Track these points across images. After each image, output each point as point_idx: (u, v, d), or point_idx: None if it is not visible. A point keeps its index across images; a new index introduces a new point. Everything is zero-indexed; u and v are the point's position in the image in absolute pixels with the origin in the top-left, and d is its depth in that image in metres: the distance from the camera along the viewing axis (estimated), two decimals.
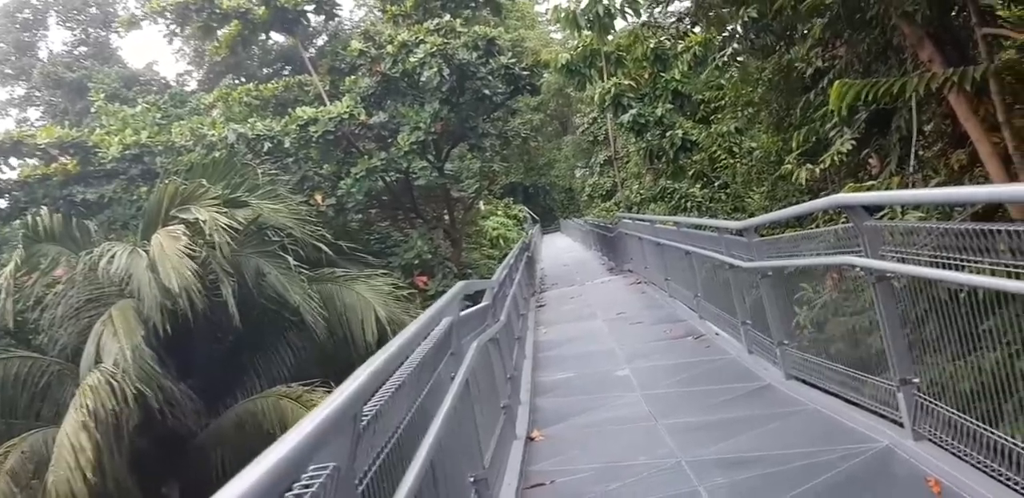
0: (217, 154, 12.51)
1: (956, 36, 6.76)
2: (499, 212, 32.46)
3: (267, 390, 10.70)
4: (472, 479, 3.43)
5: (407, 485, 1.97)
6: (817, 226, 6.78)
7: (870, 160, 7.64)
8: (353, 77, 14.55)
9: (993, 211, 5.58)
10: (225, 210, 10.54)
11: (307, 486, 1.43)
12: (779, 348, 5.58)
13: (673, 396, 5.80)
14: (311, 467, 1.49)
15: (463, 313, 4.49)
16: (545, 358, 8.35)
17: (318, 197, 13.43)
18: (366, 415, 1.80)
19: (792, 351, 5.43)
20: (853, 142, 6.93)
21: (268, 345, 11.81)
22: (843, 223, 4.78)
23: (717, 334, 7.59)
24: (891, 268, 3.58)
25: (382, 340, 11.84)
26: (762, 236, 6.48)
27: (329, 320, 12.01)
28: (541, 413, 5.83)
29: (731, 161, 12.76)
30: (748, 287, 6.53)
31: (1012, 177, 5.57)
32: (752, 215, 12.10)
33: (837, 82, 5.73)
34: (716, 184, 15.37)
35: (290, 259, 10.84)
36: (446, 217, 17.67)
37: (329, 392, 10.82)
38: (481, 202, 25.51)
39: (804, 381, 5.09)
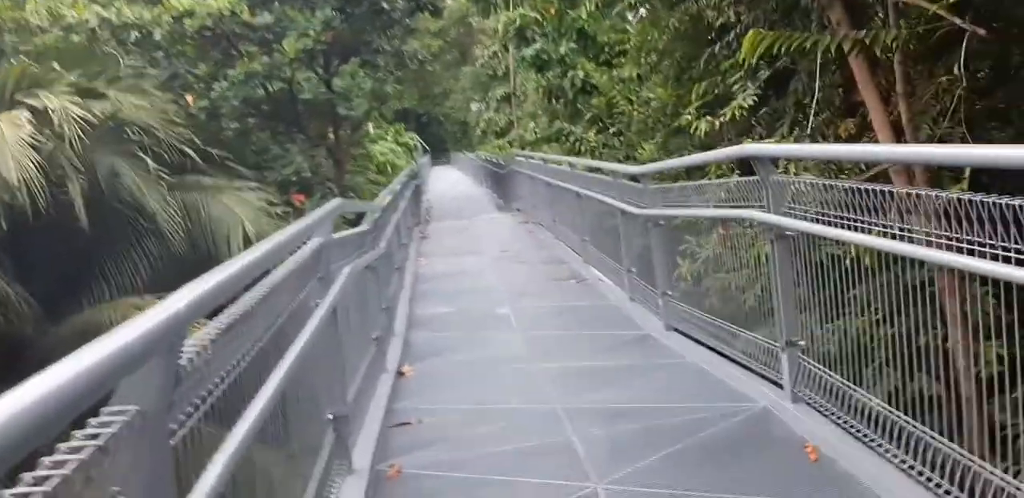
0: (76, 38, 11.03)
1: (866, 1, 6.71)
2: (389, 138, 31.33)
3: (116, 299, 9.93)
4: (331, 416, 3.09)
5: (243, 428, 1.58)
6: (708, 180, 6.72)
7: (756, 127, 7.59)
8: None
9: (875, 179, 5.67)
10: (79, 100, 9.38)
11: (93, 436, 1.04)
12: (662, 298, 5.48)
13: (552, 339, 5.64)
14: (104, 411, 1.13)
15: (337, 235, 4.04)
16: (424, 291, 8.02)
17: (189, 98, 12.22)
18: (190, 349, 1.39)
19: (675, 303, 5.34)
20: (755, 97, 6.82)
21: (121, 252, 10.84)
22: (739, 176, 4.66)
23: (601, 280, 7.49)
24: (794, 225, 3.41)
25: None
26: (658, 183, 6.32)
27: (191, 232, 11.15)
28: (415, 347, 5.53)
29: (629, 108, 12.55)
30: (636, 235, 6.40)
31: None
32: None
33: (752, 31, 5.51)
34: (611, 131, 15.24)
35: (150, 162, 9.85)
36: (331, 136, 16.71)
37: None
38: (371, 124, 24.45)
39: (685, 334, 5.01)
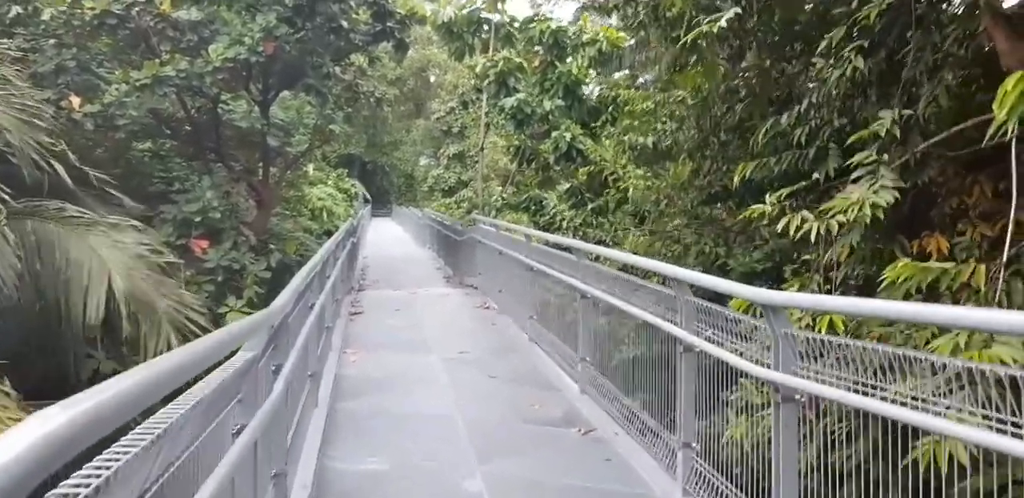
0: None
1: None
2: (330, 182, 28.81)
3: None
4: None
5: None
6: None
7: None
8: None
9: None
10: None
11: None
12: None
13: None
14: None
15: None
16: (346, 418, 5.30)
17: (74, 99, 9.35)
18: None
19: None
20: (895, 194, 4.52)
21: None
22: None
23: (616, 434, 4.92)
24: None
25: (110, 325, 8.13)
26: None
27: (40, 277, 8.18)
28: None
29: (637, 184, 10.28)
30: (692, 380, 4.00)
31: None
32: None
33: (1019, 73, 3.29)
34: (589, 207, 12.98)
35: None
36: (260, 171, 13.95)
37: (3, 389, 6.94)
38: (311, 165, 21.80)
39: None
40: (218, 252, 10.51)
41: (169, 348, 8.10)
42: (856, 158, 4.78)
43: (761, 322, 3.38)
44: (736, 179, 7.03)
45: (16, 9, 9.15)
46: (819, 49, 5.42)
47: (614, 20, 16.18)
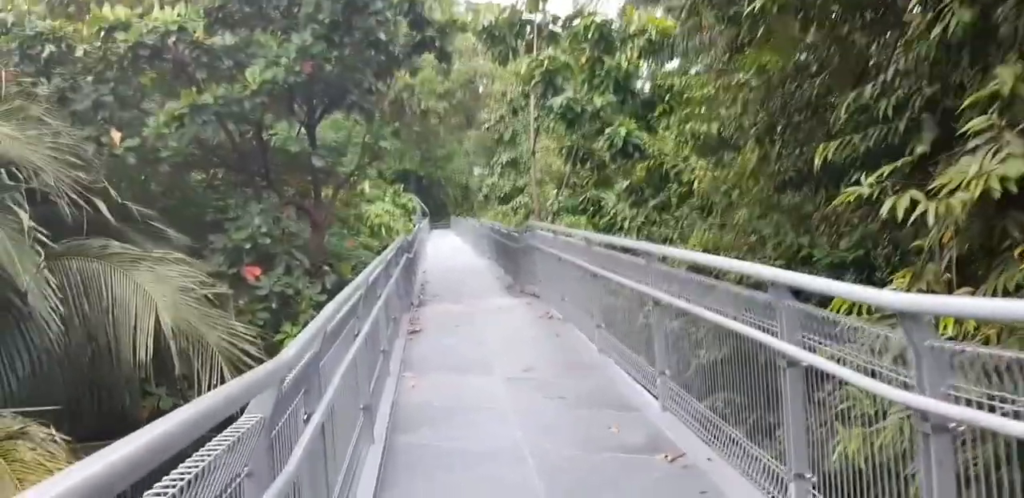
0: None
1: None
2: (387, 198, 28.75)
3: None
4: None
5: None
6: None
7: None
8: None
9: None
10: None
11: None
12: None
13: None
14: None
15: None
16: (405, 456, 4.79)
17: (115, 135, 9.18)
18: None
19: None
20: None
21: None
22: None
23: (710, 460, 4.27)
24: None
25: (161, 361, 7.86)
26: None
27: (88, 318, 7.97)
28: None
29: (701, 175, 9.54)
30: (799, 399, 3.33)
31: None
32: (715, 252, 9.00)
33: None
34: (651, 204, 12.25)
35: (24, 217, 6.74)
36: (312, 194, 13.71)
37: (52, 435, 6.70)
38: (367, 183, 21.64)
39: None
40: (271, 278, 10.22)
41: (223, 382, 7.78)
42: (973, 123, 4.02)
43: (887, 329, 2.70)
44: (817, 161, 6.28)
45: (50, 48, 9.05)
46: (912, 3, 4.65)
47: (659, 12, 15.51)
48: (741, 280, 6.23)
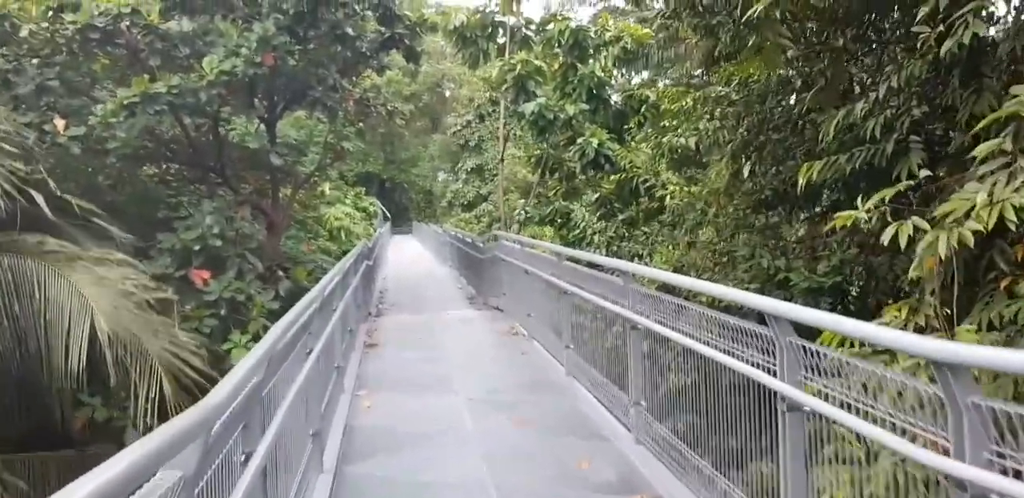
0: None
1: None
2: (348, 201, 28.16)
3: None
4: None
5: None
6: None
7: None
8: None
9: None
10: None
11: None
12: None
13: None
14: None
15: None
16: (358, 487, 4.37)
17: (58, 122, 8.56)
18: None
19: None
20: None
21: None
22: None
23: None
24: None
25: (95, 369, 7.28)
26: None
27: (19, 320, 7.36)
28: None
29: (673, 189, 9.27)
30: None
31: None
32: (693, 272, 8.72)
33: None
34: (620, 217, 11.97)
35: None
36: (270, 194, 13.15)
37: None
38: (327, 184, 21.11)
39: None
40: (220, 283, 9.66)
41: (162, 394, 7.24)
42: (981, 148, 3.76)
43: (914, 379, 2.39)
44: (801, 181, 6.03)
45: None
46: (919, 17, 4.41)
47: (632, 20, 15.31)
48: (713, 303, 5.96)
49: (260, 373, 2.79)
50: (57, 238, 7.48)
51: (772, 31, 5.52)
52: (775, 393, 3.14)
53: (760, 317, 3.50)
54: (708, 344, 3.73)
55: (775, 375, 3.08)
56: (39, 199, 7.62)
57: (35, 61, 9.00)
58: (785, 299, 6.15)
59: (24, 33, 8.57)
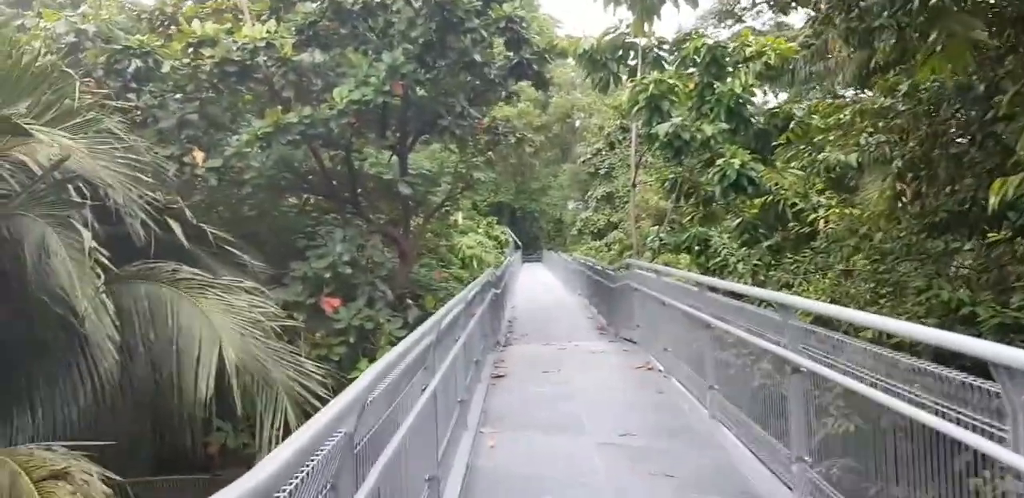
0: (49, 57, 7.79)
1: None
2: (480, 230, 28.39)
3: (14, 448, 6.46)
4: None
5: None
6: None
7: None
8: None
9: None
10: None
11: None
12: None
13: None
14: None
15: None
16: None
17: (197, 155, 8.83)
18: None
19: None
20: None
21: (48, 370, 7.31)
22: None
23: None
24: None
25: (222, 398, 7.26)
26: None
27: (153, 347, 7.49)
28: None
29: (830, 212, 8.34)
30: None
31: None
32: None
33: None
34: (765, 244, 11.02)
35: (86, 235, 6.31)
36: (403, 223, 13.18)
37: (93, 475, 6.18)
38: (460, 213, 21.23)
39: None
40: (350, 310, 9.59)
41: (286, 425, 7.10)
42: None
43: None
44: (993, 200, 5.12)
45: (136, 62, 8.85)
46: None
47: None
48: (878, 339, 5.09)
49: (350, 424, 2.38)
50: (192, 266, 7.59)
51: (960, 22, 4.71)
52: (1002, 466, 2.40)
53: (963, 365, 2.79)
54: (905, 398, 2.99)
55: (1009, 445, 2.34)
56: (176, 228, 7.80)
57: (177, 96, 9.38)
58: (974, 336, 5.20)
59: (166, 69, 8.95)
